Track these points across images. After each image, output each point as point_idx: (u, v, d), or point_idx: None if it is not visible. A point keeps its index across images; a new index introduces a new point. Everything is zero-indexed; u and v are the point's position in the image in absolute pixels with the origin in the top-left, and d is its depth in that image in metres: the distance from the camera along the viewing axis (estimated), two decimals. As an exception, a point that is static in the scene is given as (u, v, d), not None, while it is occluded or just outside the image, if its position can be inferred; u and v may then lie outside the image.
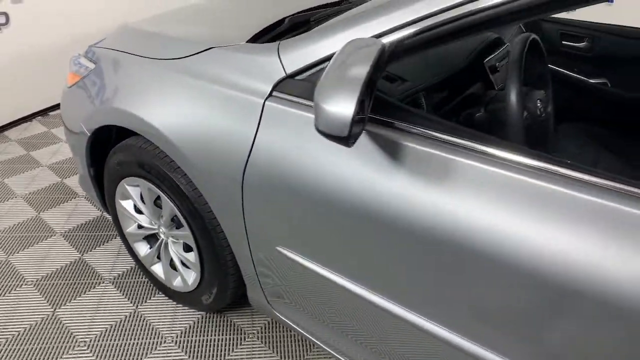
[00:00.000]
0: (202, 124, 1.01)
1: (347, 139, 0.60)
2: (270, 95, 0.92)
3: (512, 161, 0.68)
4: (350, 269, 0.90)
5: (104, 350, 1.32)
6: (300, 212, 0.89)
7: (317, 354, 1.34)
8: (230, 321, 1.44)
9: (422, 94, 0.97)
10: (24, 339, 1.33)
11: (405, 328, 0.85)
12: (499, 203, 0.68)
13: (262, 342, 1.38)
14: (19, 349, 1.30)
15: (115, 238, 1.73)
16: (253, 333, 1.41)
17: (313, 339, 1.14)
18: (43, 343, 1.32)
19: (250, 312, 1.47)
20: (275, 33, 1.17)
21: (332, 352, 1.10)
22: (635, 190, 0.60)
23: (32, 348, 1.30)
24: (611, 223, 0.60)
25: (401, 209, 0.75)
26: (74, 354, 1.30)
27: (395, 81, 0.96)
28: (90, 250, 1.68)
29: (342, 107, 0.59)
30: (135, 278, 1.57)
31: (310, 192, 0.85)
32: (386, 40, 0.78)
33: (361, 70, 0.60)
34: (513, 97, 0.88)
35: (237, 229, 1.05)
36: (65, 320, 1.40)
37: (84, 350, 1.31)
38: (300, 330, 1.16)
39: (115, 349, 1.32)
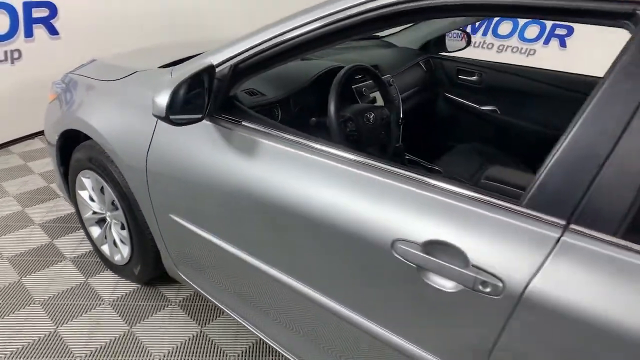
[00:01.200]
0: (125, 125, 1.39)
1: (167, 119, 0.97)
2: (165, 103, 1.29)
3: (313, 148, 0.99)
4: (218, 229, 1.23)
5: (53, 308, 1.65)
6: (177, 186, 1.25)
7: (225, 318, 1.65)
8: (159, 291, 1.76)
9: (278, 105, 1.34)
10: (-7, 297, 1.69)
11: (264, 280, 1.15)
12: (330, 181, 0.97)
13: (181, 308, 1.70)
14: (-12, 304, 1.65)
15: (81, 228, 2.10)
16: (176, 302, 1.73)
17: (215, 301, 1.45)
18: (5, 300, 1.67)
19: (178, 286, 1.79)
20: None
21: (232, 314, 1.39)
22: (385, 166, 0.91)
23: (-3, 303, 1.66)
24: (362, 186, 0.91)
25: (239, 180, 1.09)
26: (29, 309, 1.64)
27: (255, 95, 1.33)
28: (60, 237, 2.05)
29: (162, 99, 0.96)
30: (91, 258, 1.93)
31: (182, 170, 1.21)
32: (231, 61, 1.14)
33: (178, 80, 0.97)
34: (331, 108, 1.24)
35: (146, 203, 1.40)
36: (28, 285, 1.75)
37: (38, 307, 1.65)
38: (204, 293, 1.48)
39: (62, 308, 1.66)
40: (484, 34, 4.59)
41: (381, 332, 0.93)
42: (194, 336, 1.58)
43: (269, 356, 1.52)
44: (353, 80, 1.60)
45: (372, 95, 1.64)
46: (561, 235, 0.70)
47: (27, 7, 2.73)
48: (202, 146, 1.17)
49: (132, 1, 3.26)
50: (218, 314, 1.68)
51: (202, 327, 1.62)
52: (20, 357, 1.44)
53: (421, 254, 0.80)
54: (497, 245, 0.75)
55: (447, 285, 0.79)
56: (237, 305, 1.36)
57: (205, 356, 1.50)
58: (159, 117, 0.99)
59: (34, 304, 1.67)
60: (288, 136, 1.04)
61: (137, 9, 3.30)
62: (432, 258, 0.79)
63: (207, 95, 1.09)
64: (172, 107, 0.98)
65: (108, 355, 1.47)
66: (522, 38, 4.41)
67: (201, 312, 1.68)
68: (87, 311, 1.65)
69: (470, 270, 0.76)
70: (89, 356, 1.47)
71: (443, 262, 0.78)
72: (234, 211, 1.14)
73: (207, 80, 1.07)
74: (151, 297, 1.74)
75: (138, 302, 1.71)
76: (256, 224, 1.09)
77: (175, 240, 1.40)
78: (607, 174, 0.68)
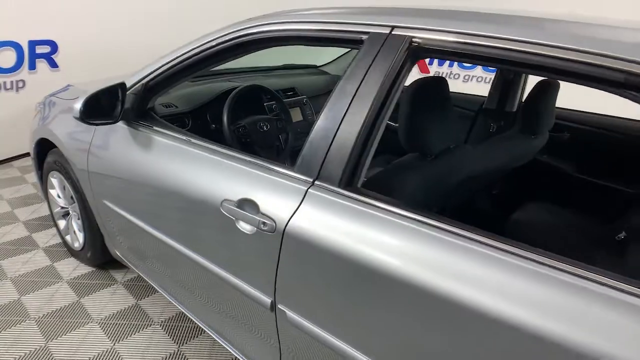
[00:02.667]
0: (75, 134, 1.79)
1: (81, 119, 1.36)
2: (103, 114, 1.69)
3: (190, 142, 1.36)
4: (132, 209, 1.59)
5: (20, 283, 2.02)
6: (106, 177, 1.63)
7: (158, 297, 1.98)
8: (110, 274, 2.12)
9: (189, 115, 1.73)
10: (-25, 274, 2.07)
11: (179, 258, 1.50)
12: (192, 164, 1.35)
13: (124, 287, 2.04)
14: (-31, 279, 2.03)
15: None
16: (122, 282, 2.08)
17: (146, 278, 1.80)
18: (-15, 276, 2.05)
19: (125, 270, 2.14)
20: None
21: (162, 292, 1.71)
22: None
23: (-23, 279, 2.04)
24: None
25: (143, 170, 1.45)
26: (1, 283, 2.01)
27: (170, 107, 1.72)
28: (37, 232, 2.45)
29: (77, 105, 1.35)
30: (59, 248, 2.31)
31: (108, 165, 1.59)
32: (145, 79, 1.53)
33: (91, 92, 1.37)
34: (224, 118, 1.62)
35: (89, 194, 1.78)
36: (4, 266, 2.13)
37: (8, 282, 2.02)
38: (141, 274, 1.82)
39: (29, 283, 2.02)
40: (451, 65, 4.98)
41: (224, 274, 1.26)
42: (130, 307, 1.92)
43: (188, 323, 1.84)
44: (263, 99, 1.97)
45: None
46: (308, 188, 1.04)
47: (32, 45, 3.26)
48: (122, 145, 1.55)
49: (123, 39, 3.78)
50: (154, 291, 2.01)
51: (138, 300, 1.96)
52: (-13, 317, 1.81)
53: (235, 208, 1.15)
54: (276, 197, 1.09)
55: (248, 228, 1.13)
56: (156, 276, 1.70)
57: (135, 321, 1.83)
58: (76, 118, 1.38)
59: (5, 279, 2.04)
60: (177, 135, 1.41)
61: (127, 46, 3.81)
62: (240, 210, 1.14)
63: (121, 105, 1.48)
64: (86, 111, 1.37)
65: (56, 317, 1.82)
66: (485, 69, 4.79)
67: (141, 290, 2.02)
68: (47, 286, 2.01)
69: (258, 215, 1.09)
70: (41, 317, 1.82)
71: (245, 212, 1.12)
72: (139, 193, 1.50)
73: (120, 93, 1.47)
74: (102, 278, 2.09)
75: (91, 281, 2.07)
76: (152, 201, 1.46)
77: (109, 222, 1.77)
78: (334, 148, 1.03)
